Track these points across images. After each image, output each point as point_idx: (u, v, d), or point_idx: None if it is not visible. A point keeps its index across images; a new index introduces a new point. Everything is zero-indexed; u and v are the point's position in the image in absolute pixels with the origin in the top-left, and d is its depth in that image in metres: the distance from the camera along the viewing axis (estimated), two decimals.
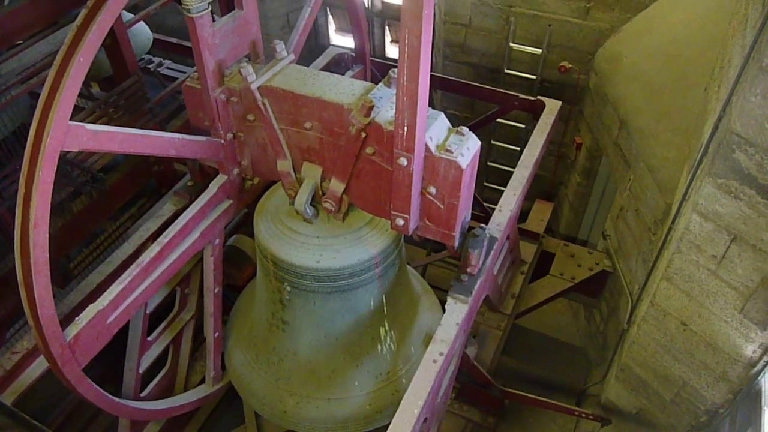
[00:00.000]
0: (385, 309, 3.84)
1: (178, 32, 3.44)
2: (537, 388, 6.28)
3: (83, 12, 2.51)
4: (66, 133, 2.55)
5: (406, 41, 2.51)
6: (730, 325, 3.53)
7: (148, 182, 4.83)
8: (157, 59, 5.44)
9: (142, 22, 4.65)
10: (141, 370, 4.05)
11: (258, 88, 3.26)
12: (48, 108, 2.48)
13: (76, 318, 3.01)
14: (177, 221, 3.47)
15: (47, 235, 2.62)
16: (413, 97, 2.70)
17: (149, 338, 4.10)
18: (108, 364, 3.42)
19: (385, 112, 3.06)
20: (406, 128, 2.84)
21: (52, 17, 3.97)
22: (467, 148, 3.06)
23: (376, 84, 3.26)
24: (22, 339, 3.35)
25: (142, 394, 4.19)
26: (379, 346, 3.94)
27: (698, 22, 4.88)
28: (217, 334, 4.21)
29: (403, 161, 2.98)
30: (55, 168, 2.56)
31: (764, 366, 3.54)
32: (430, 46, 2.61)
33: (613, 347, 5.08)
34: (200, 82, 3.31)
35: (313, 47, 8.27)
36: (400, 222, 3.30)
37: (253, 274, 4.52)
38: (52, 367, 2.95)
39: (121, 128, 2.94)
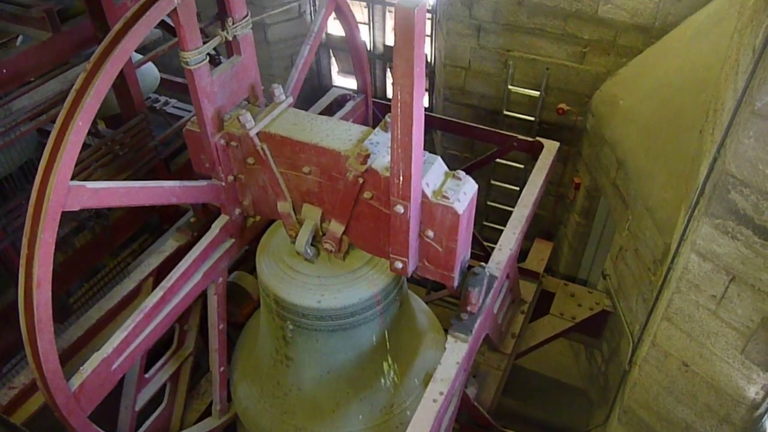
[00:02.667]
0: (387, 344, 3.86)
1: (184, 72, 3.55)
2: (538, 430, 6.19)
3: (82, 75, 2.62)
4: (67, 194, 2.63)
5: (399, 97, 2.58)
6: (731, 366, 3.51)
7: (150, 218, 4.85)
8: (163, 98, 5.53)
9: (150, 62, 4.76)
10: (137, 408, 4.01)
11: (257, 134, 3.33)
12: (49, 170, 2.56)
13: (81, 368, 3.04)
14: (180, 264, 3.52)
15: (50, 294, 2.68)
16: (408, 150, 2.76)
17: (146, 375, 4.08)
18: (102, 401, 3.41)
19: (382, 158, 3.11)
20: (401, 178, 2.90)
21: (64, 57, 4.07)
22: (464, 193, 3.10)
23: (378, 122, 3.33)
24: (20, 374, 3.33)
25: None
26: (382, 380, 3.93)
27: (691, 66, 5.00)
28: (222, 368, 4.22)
29: (400, 209, 3.03)
30: (57, 228, 2.62)
31: None
32: (423, 101, 2.68)
33: (615, 388, 5.03)
34: (200, 128, 3.38)
35: (316, 88, 8.43)
36: (399, 265, 3.34)
37: (253, 311, 4.52)
38: (57, 416, 2.97)
39: (121, 183, 3.03)
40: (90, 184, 2.80)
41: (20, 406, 3.33)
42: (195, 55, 3.07)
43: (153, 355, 4.15)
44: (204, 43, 3.14)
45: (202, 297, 3.99)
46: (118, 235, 4.58)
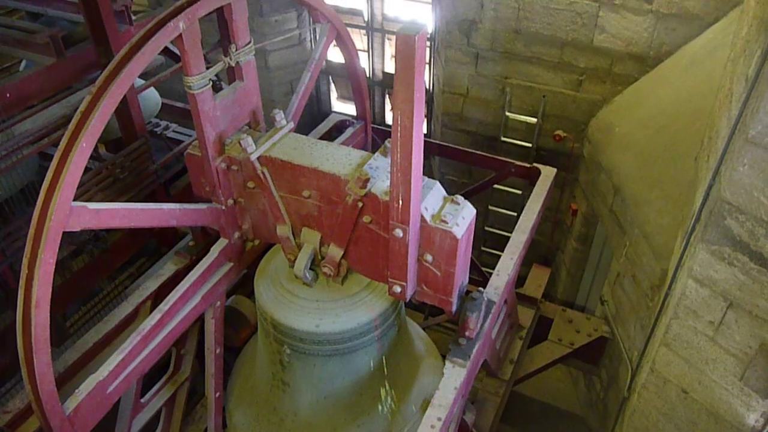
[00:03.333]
0: (385, 369, 3.83)
1: (184, 97, 3.60)
2: None
3: (87, 98, 2.66)
4: (69, 214, 2.65)
5: (399, 122, 2.62)
6: (730, 392, 3.49)
7: (148, 242, 4.86)
8: (164, 123, 5.58)
9: (152, 87, 4.81)
10: None
11: (257, 158, 3.36)
12: (52, 190, 2.58)
13: (76, 390, 3.01)
14: (178, 287, 3.52)
15: (48, 315, 2.68)
16: (407, 174, 2.79)
17: (142, 400, 4.04)
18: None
19: (381, 183, 3.14)
20: (401, 201, 2.92)
21: (67, 82, 4.12)
22: (462, 218, 3.12)
23: (378, 147, 3.36)
24: (14, 398, 3.30)
25: None
26: (379, 406, 3.90)
27: (686, 95, 5.08)
28: (218, 393, 4.18)
29: (399, 233, 3.05)
30: (57, 249, 2.64)
31: None
32: (422, 126, 2.72)
33: (614, 416, 4.99)
34: (201, 152, 3.42)
35: (316, 114, 8.51)
36: (398, 289, 3.34)
37: (250, 336, 4.50)
38: None
39: (122, 204, 3.06)
40: (92, 205, 2.82)
41: (14, 431, 3.29)
42: (199, 80, 3.12)
43: (149, 379, 4.12)
44: (207, 68, 3.19)
45: (200, 321, 3.98)
46: (116, 259, 4.58)
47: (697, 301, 3.39)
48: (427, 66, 7.46)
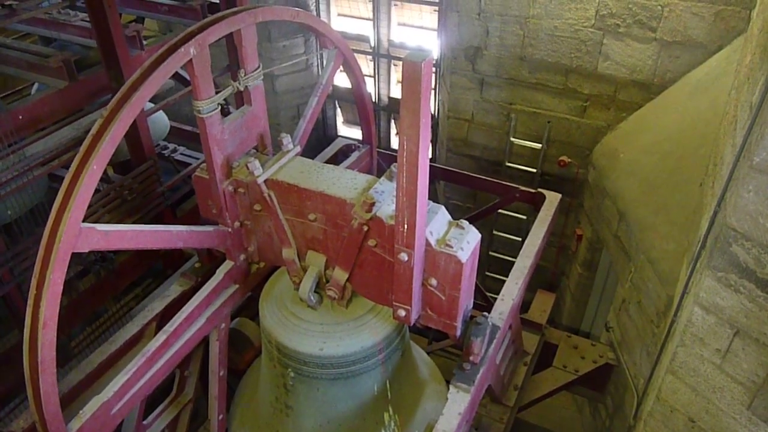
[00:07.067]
0: (389, 394, 3.81)
1: (192, 120, 3.66)
2: None
3: (98, 121, 2.71)
4: (78, 235, 2.67)
5: (405, 147, 2.66)
6: (738, 422, 3.45)
7: (154, 263, 4.88)
8: (172, 145, 5.65)
9: (161, 111, 4.87)
10: None
11: (264, 181, 3.39)
12: (62, 211, 2.61)
13: (81, 411, 3.01)
14: (183, 309, 3.52)
15: (55, 335, 2.69)
16: (413, 198, 2.81)
17: (145, 422, 4.02)
18: None
19: (387, 207, 3.16)
20: (406, 226, 2.94)
21: (79, 105, 4.19)
22: (467, 242, 3.13)
23: (383, 172, 3.39)
24: (18, 418, 3.29)
25: None
26: (383, 431, 3.86)
27: (690, 121, 5.11)
28: (221, 416, 4.15)
29: (404, 257, 3.06)
30: (66, 269, 2.65)
31: None
32: (428, 151, 2.75)
33: None
34: (209, 174, 3.45)
35: (322, 138, 8.58)
36: (402, 313, 3.34)
37: (254, 358, 4.49)
38: None
39: (131, 226, 3.08)
40: (100, 227, 2.85)
41: None
42: (208, 104, 3.16)
43: (152, 401, 4.10)
44: (216, 93, 3.24)
45: (204, 343, 3.97)
46: (123, 280, 4.60)
47: (703, 328, 3.37)
48: (432, 91, 7.55)
